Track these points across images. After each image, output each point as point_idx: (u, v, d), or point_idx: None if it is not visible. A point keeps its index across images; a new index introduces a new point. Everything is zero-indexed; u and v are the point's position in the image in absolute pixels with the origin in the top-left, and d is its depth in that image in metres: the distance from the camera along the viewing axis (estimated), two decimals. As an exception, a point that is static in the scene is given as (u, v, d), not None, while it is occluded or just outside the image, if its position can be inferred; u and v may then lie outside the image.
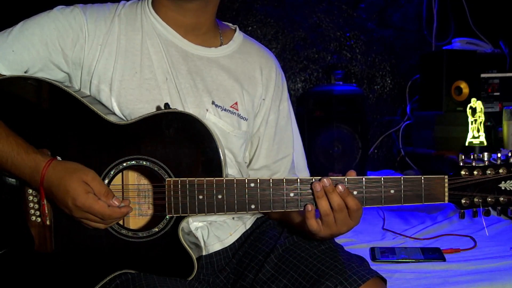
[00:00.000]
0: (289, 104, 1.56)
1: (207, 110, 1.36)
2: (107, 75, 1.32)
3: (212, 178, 1.22)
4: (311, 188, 1.20)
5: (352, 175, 1.22)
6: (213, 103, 1.37)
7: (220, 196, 1.22)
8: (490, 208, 1.23)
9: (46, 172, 1.18)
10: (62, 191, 1.17)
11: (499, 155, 1.22)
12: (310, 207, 1.19)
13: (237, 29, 1.52)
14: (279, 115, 1.51)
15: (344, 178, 1.22)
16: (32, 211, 1.26)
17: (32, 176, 1.20)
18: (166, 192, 1.22)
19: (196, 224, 1.38)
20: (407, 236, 2.28)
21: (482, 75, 3.21)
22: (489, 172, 1.21)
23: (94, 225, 1.21)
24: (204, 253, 1.37)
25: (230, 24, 1.53)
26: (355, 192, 1.22)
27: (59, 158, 1.23)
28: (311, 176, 1.25)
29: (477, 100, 2.85)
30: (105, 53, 1.33)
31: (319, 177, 1.20)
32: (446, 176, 1.22)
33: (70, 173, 1.19)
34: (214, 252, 1.39)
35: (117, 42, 1.34)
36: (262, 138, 1.49)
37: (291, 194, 1.22)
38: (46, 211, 1.23)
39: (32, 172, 1.19)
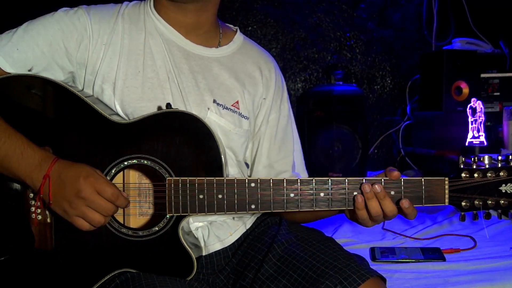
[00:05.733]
0: (289, 106, 1.57)
1: (208, 108, 1.37)
2: (111, 74, 1.34)
3: (213, 178, 1.22)
4: (360, 189, 1.20)
5: (394, 174, 1.22)
6: (214, 101, 1.38)
7: (220, 196, 1.22)
8: (490, 211, 1.23)
9: (57, 161, 1.19)
10: (73, 173, 1.17)
11: (500, 157, 1.22)
12: (359, 198, 1.20)
13: (238, 30, 1.53)
14: (280, 114, 1.52)
15: (345, 179, 1.23)
16: (33, 209, 1.26)
17: (40, 164, 1.18)
18: (167, 191, 1.22)
19: (196, 224, 1.38)
20: (407, 236, 2.28)
21: (482, 75, 3.20)
22: (489, 174, 1.21)
23: (103, 207, 1.17)
24: (204, 253, 1.37)
25: (231, 26, 1.54)
26: (354, 193, 1.22)
27: None
28: (310, 177, 1.26)
29: (477, 100, 2.84)
30: (109, 52, 1.34)
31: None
32: (447, 178, 1.22)
33: (81, 164, 1.20)
34: (214, 252, 1.39)
35: (121, 41, 1.36)
36: (263, 137, 1.49)
37: (291, 195, 1.23)
38: (50, 196, 1.19)
39: (41, 161, 1.18)
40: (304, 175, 1.57)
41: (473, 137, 2.84)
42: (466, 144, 2.88)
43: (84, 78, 1.35)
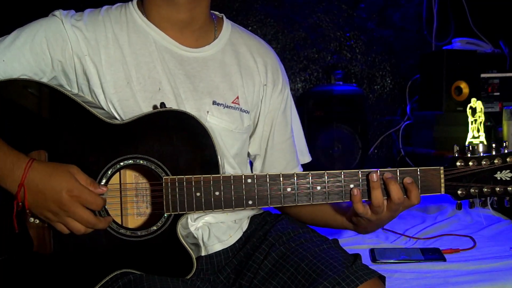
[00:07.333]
0: (288, 88, 1.54)
1: (207, 112, 1.35)
2: (102, 86, 1.32)
3: (209, 175, 1.22)
4: (367, 179, 1.21)
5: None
6: (214, 103, 1.36)
7: (217, 193, 1.22)
8: (487, 199, 1.24)
9: (31, 167, 1.14)
10: (54, 185, 1.14)
11: (494, 145, 1.23)
12: (356, 191, 1.20)
13: (224, 18, 1.49)
14: (282, 99, 1.49)
15: (341, 172, 1.24)
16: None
17: (12, 169, 1.14)
18: (164, 190, 1.22)
19: (196, 224, 1.37)
20: (407, 236, 2.28)
21: (482, 75, 3.20)
22: (484, 162, 1.22)
23: (84, 220, 1.17)
24: (203, 253, 1.37)
25: (217, 13, 1.50)
26: (351, 185, 1.22)
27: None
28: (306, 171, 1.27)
29: (477, 100, 2.84)
30: (95, 63, 1.31)
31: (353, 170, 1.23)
32: (442, 167, 1.22)
33: (56, 167, 1.16)
34: (215, 252, 1.38)
35: (105, 50, 1.33)
36: (275, 122, 1.48)
37: (288, 189, 1.23)
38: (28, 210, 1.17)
39: (13, 166, 1.14)
40: (307, 158, 1.57)
41: (473, 137, 2.84)
42: (466, 144, 2.87)
43: (77, 83, 1.34)
